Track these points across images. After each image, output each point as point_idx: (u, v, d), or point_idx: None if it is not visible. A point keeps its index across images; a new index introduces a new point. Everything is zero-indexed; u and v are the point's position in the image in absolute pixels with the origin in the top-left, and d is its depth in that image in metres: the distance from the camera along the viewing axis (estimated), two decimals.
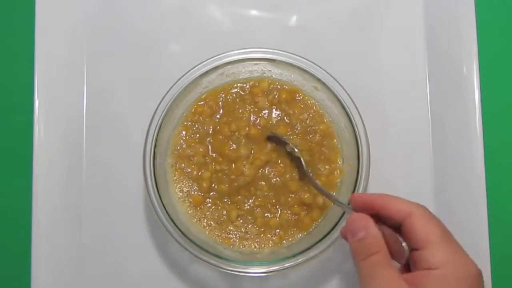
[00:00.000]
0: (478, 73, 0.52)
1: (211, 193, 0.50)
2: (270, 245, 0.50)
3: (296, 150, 0.50)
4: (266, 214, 0.50)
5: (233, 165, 0.50)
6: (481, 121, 0.52)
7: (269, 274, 0.47)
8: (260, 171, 0.50)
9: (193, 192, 0.50)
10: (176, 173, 0.50)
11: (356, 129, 0.48)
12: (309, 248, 0.46)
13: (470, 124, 0.52)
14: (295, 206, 0.50)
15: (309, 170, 0.49)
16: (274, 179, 0.50)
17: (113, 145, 0.54)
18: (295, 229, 0.50)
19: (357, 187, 0.47)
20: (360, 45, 0.56)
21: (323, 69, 0.49)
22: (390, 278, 0.38)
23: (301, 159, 0.49)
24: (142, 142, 0.54)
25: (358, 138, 0.47)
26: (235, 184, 0.49)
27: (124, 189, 0.54)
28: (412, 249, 0.39)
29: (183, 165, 0.50)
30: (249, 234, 0.50)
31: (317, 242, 0.46)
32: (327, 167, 0.50)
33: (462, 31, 0.53)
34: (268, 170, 0.50)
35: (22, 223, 0.53)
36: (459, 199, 0.52)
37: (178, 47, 0.56)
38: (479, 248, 0.51)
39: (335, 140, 0.51)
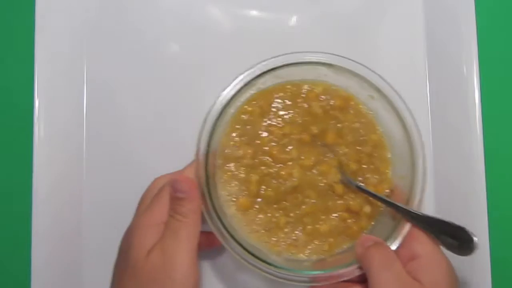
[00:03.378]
0: (478, 73, 0.52)
1: (259, 199, 0.48)
2: (319, 253, 0.48)
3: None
4: (315, 221, 0.48)
5: (282, 167, 0.48)
6: (481, 121, 0.52)
7: (314, 284, 0.45)
8: (307, 173, 0.48)
9: (241, 196, 0.49)
10: (224, 175, 0.49)
11: (414, 143, 0.46)
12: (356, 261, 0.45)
13: (470, 124, 0.52)
14: (343, 212, 0.48)
15: (358, 179, 0.49)
16: (321, 183, 0.48)
17: (114, 145, 0.54)
18: (344, 237, 0.48)
19: (410, 203, 0.45)
20: (359, 45, 0.55)
21: (382, 78, 0.47)
22: (402, 271, 0.42)
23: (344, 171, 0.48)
24: (142, 142, 0.54)
25: (415, 152, 0.46)
26: (283, 189, 0.48)
27: (125, 188, 0.54)
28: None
29: (231, 166, 0.49)
30: (298, 241, 0.48)
31: None
32: (376, 177, 0.49)
33: (462, 31, 0.53)
34: (315, 172, 0.48)
35: (22, 223, 0.53)
36: (459, 199, 0.52)
37: (178, 47, 0.56)
38: (479, 248, 0.51)
39: (386, 151, 0.49)
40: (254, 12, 0.56)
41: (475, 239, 0.42)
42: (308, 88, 0.50)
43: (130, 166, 0.54)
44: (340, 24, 0.56)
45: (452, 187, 0.52)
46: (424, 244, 0.43)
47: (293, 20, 0.56)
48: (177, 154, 0.54)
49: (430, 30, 0.55)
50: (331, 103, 0.49)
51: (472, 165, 0.52)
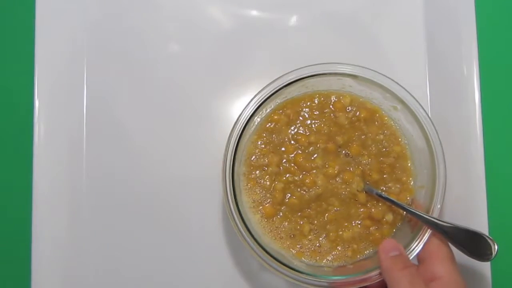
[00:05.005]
0: (478, 73, 0.52)
1: (283, 207, 0.49)
2: (342, 259, 0.49)
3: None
4: (338, 228, 0.49)
5: (306, 176, 0.49)
6: (481, 121, 0.52)
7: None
8: (331, 182, 0.49)
9: (265, 203, 0.49)
10: (249, 183, 0.49)
11: (435, 153, 0.47)
12: (377, 268, 0.46)
13: (470, 124, 0.52)
14: (365, 220, 0.49)
15: (381, 189, 0.49)
16: (344, 192, 0.49)
17: (114, 144, 0.54)
18: (367, 244, 0.49)
19: (431, 211, 0.46)
20: (359, 46, 0.56)
21: (405, 89, 0.48)
22: None
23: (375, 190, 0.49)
24: (142, 142, 0.54)
25: (436, 162, 0.47)
26: (307, 197, 0.48)
27: (124, 188, 0.54)
28: None
29: (257, 174, 0.50)
30: (322, 248, 0.49)
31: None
32: (398, 186, 0.50)
33: (462, 31, 0.53)
34: (338, 181, 0.49)
35: (22, 223, 0.53)
36: (459, 199, 0.52)
37: (178, 47, 0.56)
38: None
39: (407, 161, 0.50)
40: (254, 12, 0.56)
41: (494, 246, 0.43)
42: (336, 99, 0.50)
43: (130, 165, 0.54)
44: (340, 24, 0.56)
45: (452, 188, 0.52)
46: (445, 266, 0.44)
47: (293, 20, 0.56)
48: (178, 153, 0.54)
49: (430, 30, 0.55)
50: (357, 114, 0.50)
51: (472, 166, 0.52)
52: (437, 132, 0.47)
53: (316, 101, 0.50)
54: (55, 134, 0.53)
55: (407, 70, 0.55)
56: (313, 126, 0.50)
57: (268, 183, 0.49)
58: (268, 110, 0.50)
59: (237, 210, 0.46)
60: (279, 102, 0.50)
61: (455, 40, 0.53)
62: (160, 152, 0.54)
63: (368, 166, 0.49)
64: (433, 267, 0.44)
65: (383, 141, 0.50)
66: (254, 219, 0.49)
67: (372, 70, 0.48)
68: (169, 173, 0.54)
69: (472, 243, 0.44)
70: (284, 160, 0.49)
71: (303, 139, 0.49)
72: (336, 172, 0.49)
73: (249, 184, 0.49)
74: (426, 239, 0.46)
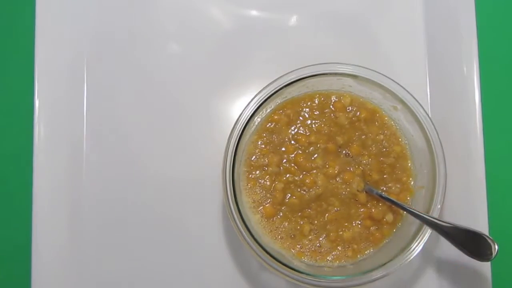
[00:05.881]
0: (478, 73, 0.52)
1: (283, 207, 0.49)
2: (342, 259, 0.49)
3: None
4: (338, 229, 0.49)
5: (306, 176, 0.49)
6: (481, 121, 0.52)
7: None
8: (331, 182, 0.49)
9: (265, 203, 0.49)
10: (250, 183, 0.49)
11: (435, 153, 0.47)
12: (379, 267, 0.46)
13: (470, 124, 0.52)
14: (366, 220, 0.49)
15: (381, 189, 0.49)
16: (344, 192, 0.49)
17: (114, 145, 0.54)
18: (367, 244, 0.49)
19: (431, 211, 0.47)
20: (359, 45, 0.56)
21: (405, 89, 0.48)
22: None
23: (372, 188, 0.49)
24: (142, 142, 0.54)
25: (436, 162, 0.47)
26: (307, 197, 0.49)
27: (124, 188, 0.54)
28: None
29: (257, 174, 0.50)
30: (322, 248, 0.49)
31: (388, 262, 0.46)
32: (398, 186, 0.50)
33: (462, 31, 0.53)
34: (338, 181, 0.49)
35: (22, 223, 0.53)
36: (459, 200, 0.52)
37: (178, 47, 0.56)
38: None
39: (408, 161, 0.50)
40: (254, 12, 0.56)
41: (494, 246, 0.43)
42: (336, 99, 0.50)
43: (130, 166, 0.54)
44: (340, 24, 0.56)
45: (452, 188, 0.52)
46: None
47: (293, 20, 0.56)
48: (178, 153, 0.54)
49: (430, 30, 0.55)
50: (357, 114, 0.50)
51: (472, 166, 0.52)
52: (437, 132, 0.47)
53: (316, 101, 0.50)
54: (55, 134, 0.53)
55: (407, 70, 0.55)
56: (313, 126, 0.50)
57: (268, 183, 0.49)
58: (268, 110, 0.50)
59: (237, 210, 0.46)
60: (279, 102, 0.50)
61: (455, 40, 0.53)
62: (160, 153, 0.54)
63: (368, 166, 0.49)
64: None
65: (383, 141, 0.50)
66: (254, 219, 0.49)
67: (372, 70, 0.48)
68: (169, 173, 0.54)
69: (472, 243, 0.44)
70: (284, 160, 0.49)
71: (303, 139, 0.50)
72: (336, 172, 0.49)
73: (249, 184, 0.49)
74: (426, 239, 0.46)
